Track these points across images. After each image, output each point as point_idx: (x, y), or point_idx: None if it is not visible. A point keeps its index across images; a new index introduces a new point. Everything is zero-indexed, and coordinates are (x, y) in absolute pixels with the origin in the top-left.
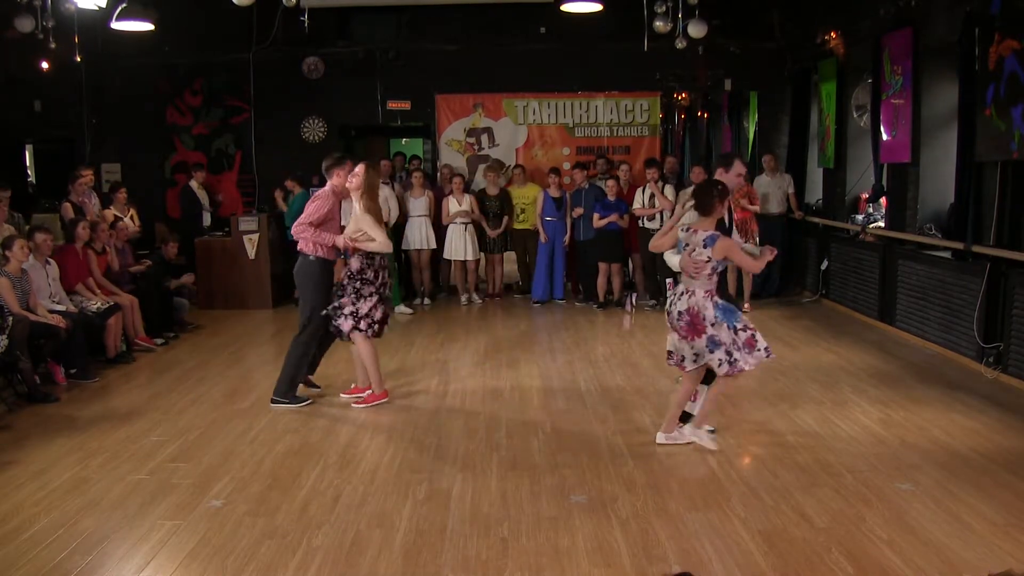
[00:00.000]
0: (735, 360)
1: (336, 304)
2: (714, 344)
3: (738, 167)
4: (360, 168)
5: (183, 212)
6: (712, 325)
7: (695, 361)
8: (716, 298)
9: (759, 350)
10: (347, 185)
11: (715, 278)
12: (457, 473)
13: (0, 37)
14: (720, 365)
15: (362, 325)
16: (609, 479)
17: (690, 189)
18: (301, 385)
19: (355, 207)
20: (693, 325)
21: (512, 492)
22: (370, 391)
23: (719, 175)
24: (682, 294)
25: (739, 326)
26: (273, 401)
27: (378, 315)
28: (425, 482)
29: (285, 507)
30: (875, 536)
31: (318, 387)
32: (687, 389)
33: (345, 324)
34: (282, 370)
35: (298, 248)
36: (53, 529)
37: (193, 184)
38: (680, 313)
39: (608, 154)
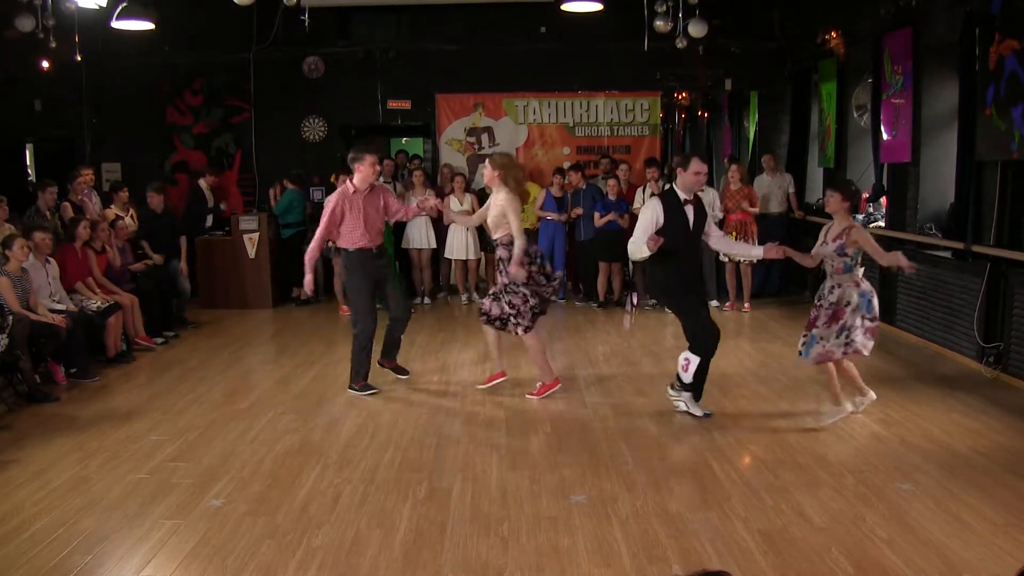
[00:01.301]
0: (853, 341)
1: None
2: (841, 329)
3: (696, 165)
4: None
5: (188, 210)
6: (853, 311)
7: (823, 347)
8: (861, 285)
9: (869, 340)
10: (484, 181)
11: (857, 267)
12: (457, 473)
13: (0, 36)
14: (840, 348)
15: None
16: (609, 479)
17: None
18: (390, 371)
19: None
20: (836, 312)
21: (512, 492)
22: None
23: (678, 175)
24: (833, 288)
25: (871, 315)
26: (349, 387)
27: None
28: (425, 482)
29: (285, 507)
30: (875, 536)
31: (406, 372)
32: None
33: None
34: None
35: (339, 244)
36: (53, 528)
37: (203, 184)
38: (831, 304)
39: (609, 154)
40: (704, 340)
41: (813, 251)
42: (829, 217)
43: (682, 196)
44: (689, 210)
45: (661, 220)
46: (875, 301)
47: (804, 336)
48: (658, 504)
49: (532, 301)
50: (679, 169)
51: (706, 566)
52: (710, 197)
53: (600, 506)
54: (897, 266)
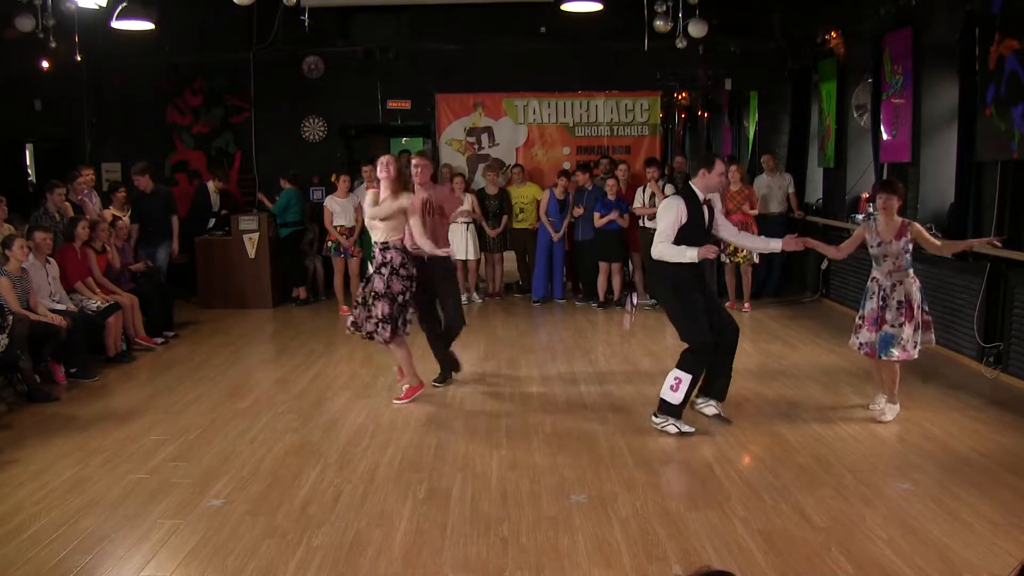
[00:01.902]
0: (918, 342)
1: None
2: (916, 328)
3: (720, 166)
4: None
5: (192, 210)
6: (918, 307)
7: (903, 348)
8: (916, 280)
9: (931, 332)
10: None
11: (909, 261)
12: (457, 473)
13: (0, 36)
14: (916, 347)
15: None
16: (609, 479)
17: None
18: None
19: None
20: (910, 311)
21: (512, 492)
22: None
23: (702, 175)
24: (895, 284)
25: (925, 307)
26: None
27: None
28: (425, 482)
29: (285, 506)
30: (875, 536)
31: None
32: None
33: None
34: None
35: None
36: (53, 528)
37: (210, 186)
38: (900, 303)
39: (609, 154)
40: (701, 355)
41: (844, 245)
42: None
43: (701, 196)
44: (705, 209)
45: (684, 218)
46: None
47: (870, 333)
48: (658, 504)
49: (396, 310)
50: (703, 170)
51: (710, 565)
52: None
53: (600, 506)
54: (968, 248)
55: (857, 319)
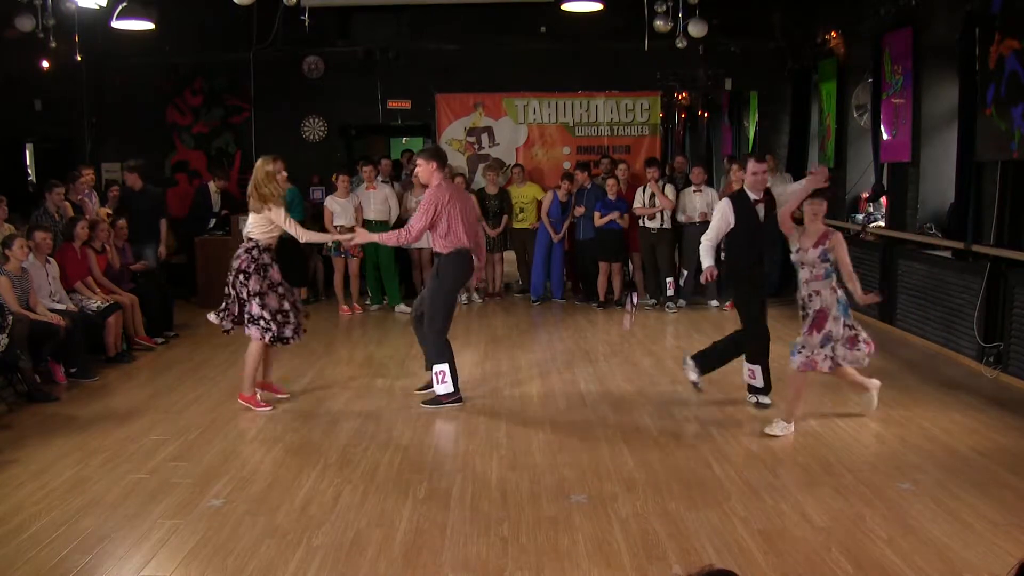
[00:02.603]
0: (837, 357)
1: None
2: (826, 339)
3: (752, 166)
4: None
5: (192, 210)
6: (834, 319)
7: (807, 357)
8: (838, 292)
9: (859, 350)
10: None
11: (833, 274)
12: (457, 473)
13: (0, 36)
14: (825, 360)
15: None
16: (609, 479)
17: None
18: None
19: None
20: (818, 321)
21: (512, 492)
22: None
23: (735, 173)
24: (813, 295)
25: (849, 322)
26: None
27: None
28: (425, 482)
29: (285, 506)
30: (875, 535)
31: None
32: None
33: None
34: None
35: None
36: (53, 528)
37: (211, 187)
38: (816, 312)
39: (609, 154)
40: (763, 346)
41: (793, 258)
42: (829, 216)
43: (753, 196)
44: (760, 208)
45: (732, 221)
46: (849, 311)
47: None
48: (658, 504)
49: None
50: (741, 172)
51: (713, 564)
52: (709, 197)
53: (600, 506)
54: (859, 295)
55: None
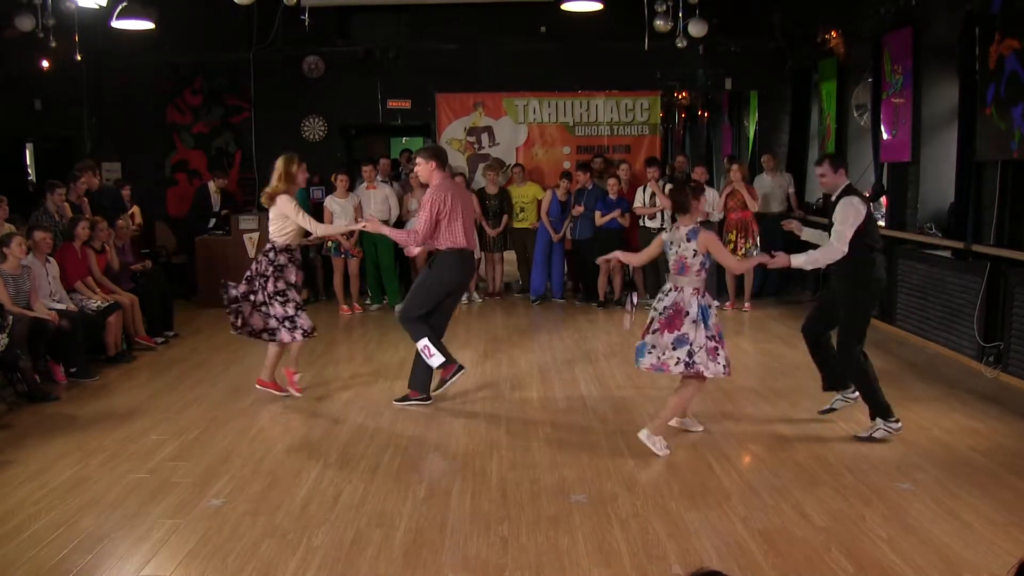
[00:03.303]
0: (695, 362)
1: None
2: (680, 342)
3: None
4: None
5: (192, 211)
6: (692, 323)
7: (658, 358)
8: (703, 297)
9: (719, 363)
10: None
11: (703, 275)
12: (457, 473)
13: (0, 36)
14: (677, 364)
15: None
16: (609, 479)
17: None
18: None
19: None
20: (671, 320)
21: (512, 491)
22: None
23: (735, 174)
24: (669, 291)
25: (710, 333)
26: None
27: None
28: (425, 481)
29: (285, 506)
30: (875, 535)
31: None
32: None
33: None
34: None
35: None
36: (53, 528)
37: (211, 187)
38: (665, 308)
39: (608, 153)
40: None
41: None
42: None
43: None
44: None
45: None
46: (713, 314)
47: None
48: (658, 504)
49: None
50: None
51: (706, 566)
52: (709, 197)
53: (600, 506)
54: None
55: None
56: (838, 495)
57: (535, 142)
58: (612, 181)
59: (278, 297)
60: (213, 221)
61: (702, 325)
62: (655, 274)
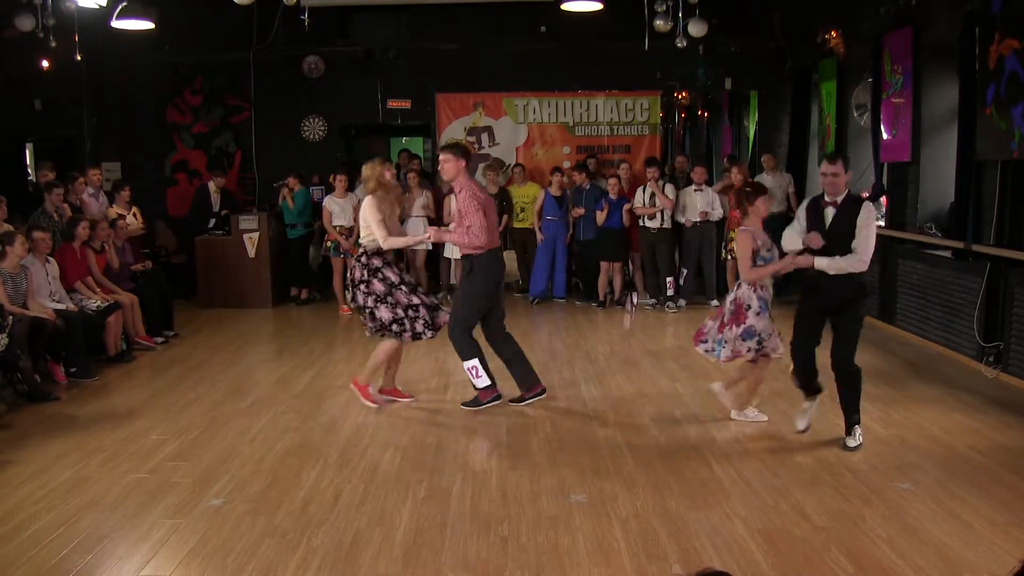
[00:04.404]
0: (764, 348)
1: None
2: (748, 334)
3: (823, 167)
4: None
5: (192, 211)
6: (756, 315)
7: (732, 349)
8: (761, 290)
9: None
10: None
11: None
12: (457, 472)
13: (0, 36)
14: (749, 351)
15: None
16: (609, 479)
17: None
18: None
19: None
20: (735, 316)
21: (512, 491)
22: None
23: (735, 174)
24: (737, 286)
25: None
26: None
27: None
28: (425, 481)
29: (285, 506)
30: (875, 535)
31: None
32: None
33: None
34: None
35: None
36: (53, 528)
37: (211, 186)
38: (729, 303)
39: (608, 153)
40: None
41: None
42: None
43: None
44: (829, 212)
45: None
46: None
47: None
48: (658, 504)
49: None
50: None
51: (706, 566)
52: (709, 197)
53: (600, 506)
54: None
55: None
56: (838, 495)
57: (535, 142)
58: (612, 181)
59: (384, 304)
60: (213, 221)
61: (765, 314)
62: (655, 274)
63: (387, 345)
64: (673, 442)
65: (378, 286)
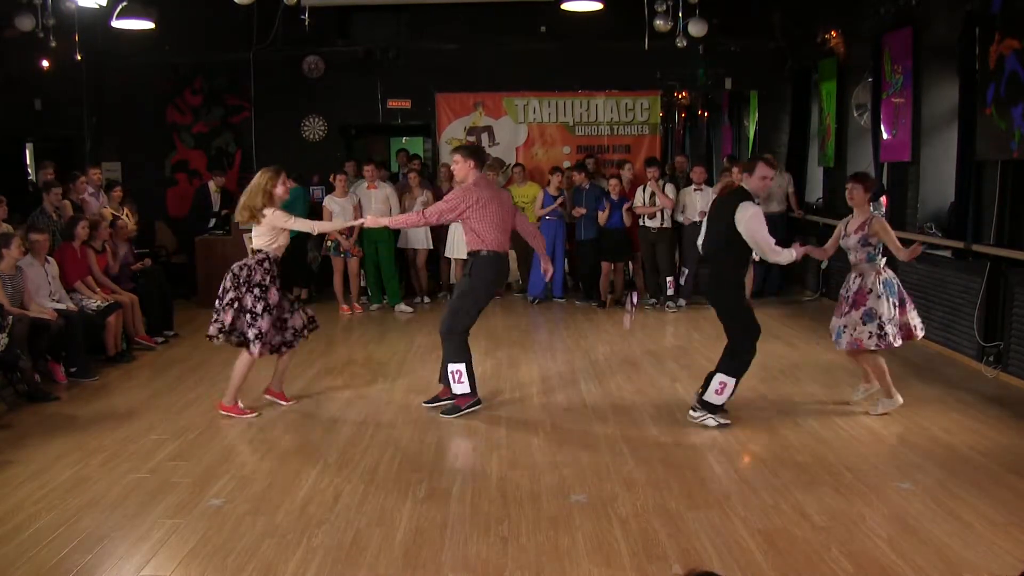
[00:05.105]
0: (886, 334)
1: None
2: (869, 317)
3: (761, 170)
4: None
5: (192, 211)
6: (877, 297)
7: (851, 335)
8: (883, 273)
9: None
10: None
11: (865, 258)
12: (457, 473)
13: (0, 36)
14: (870, 338)
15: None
16: (609, 479)
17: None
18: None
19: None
20: (856, 301)
21: (512, 492)
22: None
23: (745, 179)
24: (854, 277)
25: (895, 300)
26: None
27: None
28: (425, 481)
29: (285, 506)
30: (875, 535)
31: None
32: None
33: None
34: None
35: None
36: (53, 528)
37: (211, 186)
38: (850, 293)
39: (608, 153)
40: (746, 361)
41: (828, 244)
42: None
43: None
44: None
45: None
46: (898, 286)
47: (835, 318)
48: (658, 504)
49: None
50: (746, 174)
51: (706, 566)
52: (709, 197)
53: (600, 506)
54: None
55: None
56: (838, 495)
57: (535, 142)
58: (614, 182)
59: (262, 316)
60: (213, 221)
61: (889, 297)
62: (655, 274)
63: (242, 364)
64: (673, 442)
65: (273, 295)
